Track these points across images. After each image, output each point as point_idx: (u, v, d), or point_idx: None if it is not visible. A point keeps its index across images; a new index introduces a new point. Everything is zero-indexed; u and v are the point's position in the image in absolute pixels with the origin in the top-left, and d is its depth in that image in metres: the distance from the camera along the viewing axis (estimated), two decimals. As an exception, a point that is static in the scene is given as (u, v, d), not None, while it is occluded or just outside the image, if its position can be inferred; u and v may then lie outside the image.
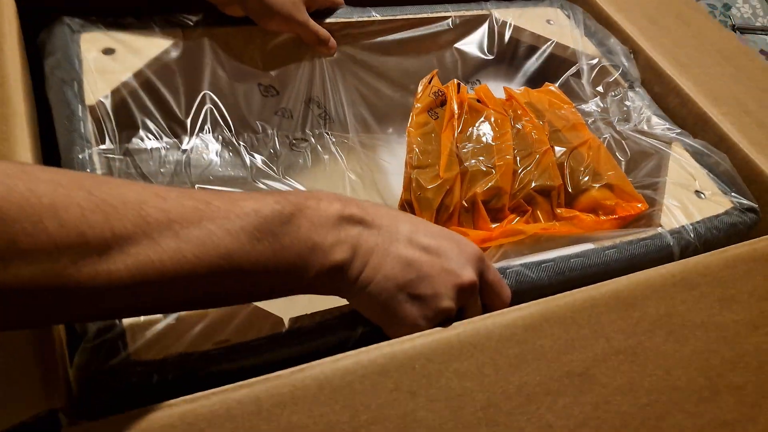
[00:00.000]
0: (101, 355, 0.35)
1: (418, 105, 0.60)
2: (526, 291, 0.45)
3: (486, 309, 0.42)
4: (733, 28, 0.94)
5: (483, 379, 0.38)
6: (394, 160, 0.62)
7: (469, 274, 0.39)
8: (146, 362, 0.36)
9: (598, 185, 0.56)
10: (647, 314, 0.43)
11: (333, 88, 0.61)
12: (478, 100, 0.63)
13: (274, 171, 0.52)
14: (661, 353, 0.42)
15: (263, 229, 0.33)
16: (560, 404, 0.39)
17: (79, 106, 0.47)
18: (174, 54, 0.54)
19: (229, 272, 0.32)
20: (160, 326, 0.37)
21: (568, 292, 0.43)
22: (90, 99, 0.49)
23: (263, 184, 0.51)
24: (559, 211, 0.56)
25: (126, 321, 0.37)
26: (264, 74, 0.58)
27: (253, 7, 0.57)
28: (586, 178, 0.57)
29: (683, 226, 0.52)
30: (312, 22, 0.61)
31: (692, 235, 0.51)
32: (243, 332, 0.38)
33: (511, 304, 0.43)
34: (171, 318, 0.37)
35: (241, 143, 0.53)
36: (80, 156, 0.44)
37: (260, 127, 0.56)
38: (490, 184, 0.55)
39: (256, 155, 0.53)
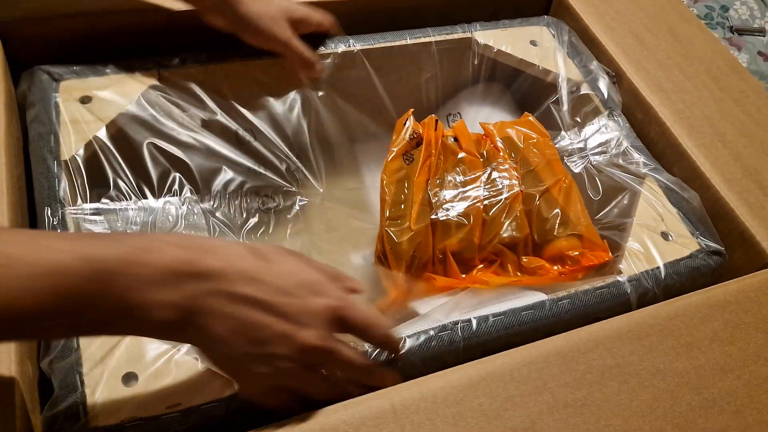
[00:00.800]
0: (62, 424, 0.39)
1: (394, 149, 0.62)
2: (474, 346, 0.47)
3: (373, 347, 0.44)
4: (731, 29, 0.91)
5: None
6: (368, 215, 0.64)
7: (307, 335, 0.38)
8: (104, 428, 0.40)
9: (565, 235, 0.57)
10: (593, 366, 0.45)
11: (311, 130, 0.63)
12: (455, 138, 0.64)
13: (233, 235, 0.55)
14: (615, 403, 0.44)
15: (68, 287, 0.32)
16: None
17: (54, 163, 0.51)
18: (145, 102, 0.57)
19: (22, 327, 0.32)
20: (119, 391, 0.41)
21: (505, 352, 0.45)
22: (65, 153, 0.52)
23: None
24: (525, 260, 0.58)
25: (87, 385, 0.41)
26: (240, 118, 0.61)
27: (231, 18, 0.57)
28: (553, 226, 0.58)
29: (643, 272, 0.53)
30: (296, 42, 0.61)
31: (651, 282, 0.52)
32: (194, 394, 0.42)
33: (462, 361, 0.45)
34: (131, 382, 0.41)
35: (204, 206, 0.56)
36: (51, 217, 0.48)
37: (227, 188, 0.59)
38: (460, 237, 0.57)
39: (219, 217, 0.56)
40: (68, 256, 0.32)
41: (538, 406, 0.43)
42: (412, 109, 0.64)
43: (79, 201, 0.50)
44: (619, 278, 0.52)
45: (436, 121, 0.64)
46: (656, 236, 0.56)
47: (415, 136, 0.62)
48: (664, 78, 0.68)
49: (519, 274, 0.58)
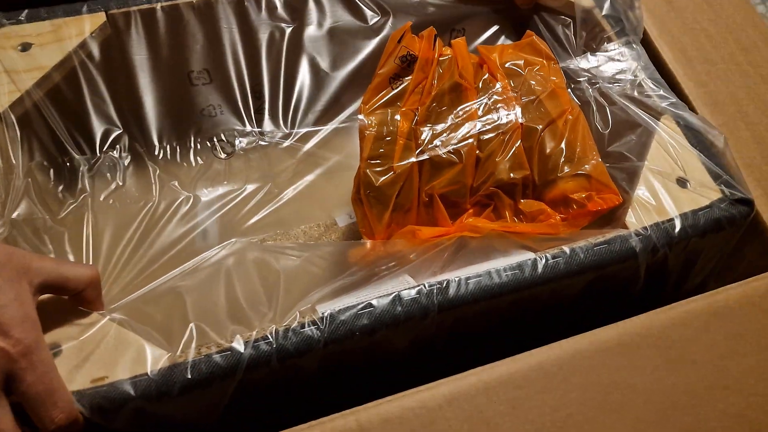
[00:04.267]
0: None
1: (380, 72, 0.55)
2: (447, 311, 0.42)
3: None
4: None
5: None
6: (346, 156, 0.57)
7: None
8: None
9: (570, 175, 0.50)
10: (574, 385, 0.40)
11: (275, 59, 0.55)
12: (452, 59, 0.56)
13: (184, 192, 0.49)
14: (600, 423, 0.39)
15: None
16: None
17: None
18: (93, 46, 0.50)
19: None
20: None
21: (476, 369, 0.40)
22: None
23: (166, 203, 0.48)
24: (523, 203, 0.51)
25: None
26: (197, 58, 0.54)
27: None
28: (557, 165, 0.51)
29: (653, 225, 0.46)
30: None
31: (661, 238, 0.46)
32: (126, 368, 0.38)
33: (432, 330, 0.40)
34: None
35: (150, 162, 0.50)
36: None
37: (177, 135, 0.52)
38: (450, 178, 0.51)
39: (164, 175, 0.50)
40: None
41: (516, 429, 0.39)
42: (410, 22, 0.55)
43: (12, 159, 0.45)
44: (623, 233, 0.46)
45: (435, 36, 0.55)
46: (671, 183, 0.48)
47: (408, 57, 0.54)
48: (690, 44, 0.58)
49: (516, 219, 0.52)
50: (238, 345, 0.39)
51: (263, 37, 0.54)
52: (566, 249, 0.45)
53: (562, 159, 0.51)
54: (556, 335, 0.44)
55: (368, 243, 0.52)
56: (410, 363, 0.44)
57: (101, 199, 0.47)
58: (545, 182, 0.52)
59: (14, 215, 0.43)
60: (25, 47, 0.51)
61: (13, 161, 0.46)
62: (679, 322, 0.42)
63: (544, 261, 0.44)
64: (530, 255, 0.45)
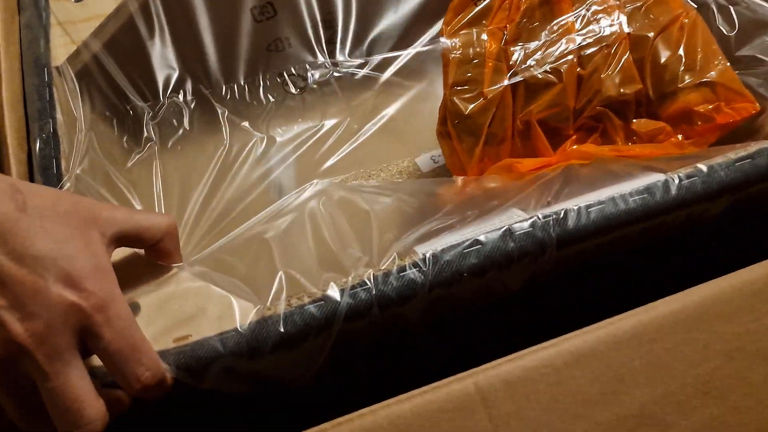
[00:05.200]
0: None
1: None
2: (566, 243, 0.36)
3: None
4: None
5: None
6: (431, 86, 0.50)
7: (19, 329, 0.28)
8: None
9: (692, 85, 0.43)
10: (718, 336, 0.34)
11: None
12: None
13: (257, 133, 0.45)
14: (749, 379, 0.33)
15: None
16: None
17: (45, 71, 0.43)
18: None
19: None
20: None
21: (603, 321, 0.34)
22: (56, 60, 0.44)
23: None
24: (636, 124, 0.44)
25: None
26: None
27: None
28: (676, 74, 0.44)
29: (803, 135, 0.39)
30: None
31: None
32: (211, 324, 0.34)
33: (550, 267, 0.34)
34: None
35: (217, 103, 0.45)
36: (40, 133, 0.40)
37: (244, 73, 0.47)
38: (549, 101, 0.44)
39: (233, 116, 0.45)
40: None
41: (656, 386, 0.33)
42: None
43: (74, 112, 0.41)
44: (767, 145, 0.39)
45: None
46: (819, 84, 0.41)
47: None
48: None
49: (629, 143, 0.45)
50: (334, 293, 0.34)
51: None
52: (702, 167, 0.38)
53: (681, 68, 0.44)
54: (693, 272, 0.38)
55: (460, 180, 0.46)
56: (523, 308, 0.39)
57: (168, 146, 0.43)
58: (662, 96, 0.45)
59: (79, 169, 0.40)
60: (78, -6, 0.48)
61: (75, 114, 0.43)
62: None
63: (677, 182, 0.38)
64: (659, 176, 0.38)
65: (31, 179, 0.41)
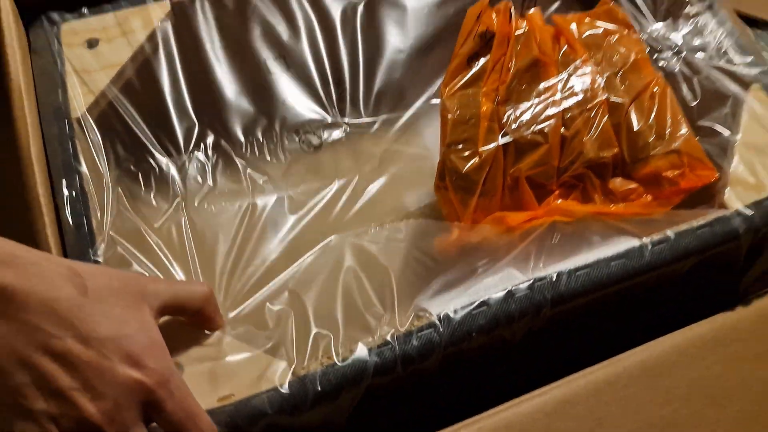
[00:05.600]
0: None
1: (460, 52, 0.52)
2: (559, 302, 0.42)
3: None
4: None
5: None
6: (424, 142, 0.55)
7: (91, 409, 0.31)
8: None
9: (662, 153, 0.49)
10: (677, 382, 0.41)
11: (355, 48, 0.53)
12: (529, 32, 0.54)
13: (273, 187, 0.49)
14: (704, 418, 0.40)
15: None
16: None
17: (65, 122, 0.45)
18: (162, 37, 0.49)
19: None
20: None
21: (584, 371, 0.41)
22: (75, 111, 0.46)
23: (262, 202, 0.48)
24: (612, 184, 0.50)
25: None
26: (271, 44, 0.52)
27: None
28: (648, 142, 0.50)
29: (753, 204, 0.46)
30: None
31: (764, 215, 0.45)
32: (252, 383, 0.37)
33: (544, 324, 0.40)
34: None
35: (238, 159, 0.49)
36: (68, 189, 0.43)
37: (262, 128, 0.51)
38: (536, 160, 0.50)
39: (254, 173, 0.49)
40: None
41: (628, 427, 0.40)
42: (488, -1, 0.53)
43: (98, 166, 0.43)
44: (727, 213, 0.45)
45: (511, 10, 0.53)
46: (766, 158, 0.48)
47: (487, 34, 0.52)
48: None
49: (605, 199, 0.51)
50: (363, 353, 0.39)
51: (336, 16, 0.52)
52: (670, 233, 0.45)
53: (653, 136, 0.50)
54: (660, 319, 0.45)
55: (456, 228, 0.51)
56: (521, 355, 0.44)
57: (195, 204, 0.46)
58: (635, 160, 0.51)
59: (113, 231, 0.42)
60: (92, 44, 0.49)
61: (101, 169, 0.45)
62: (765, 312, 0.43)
63: (650, 247, 0.44)
64: (634, 241, 0.44)
65: (62, 238, 0.43)
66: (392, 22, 0.54)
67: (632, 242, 0.44)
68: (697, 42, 0.54)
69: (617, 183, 0.51)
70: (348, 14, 0.53)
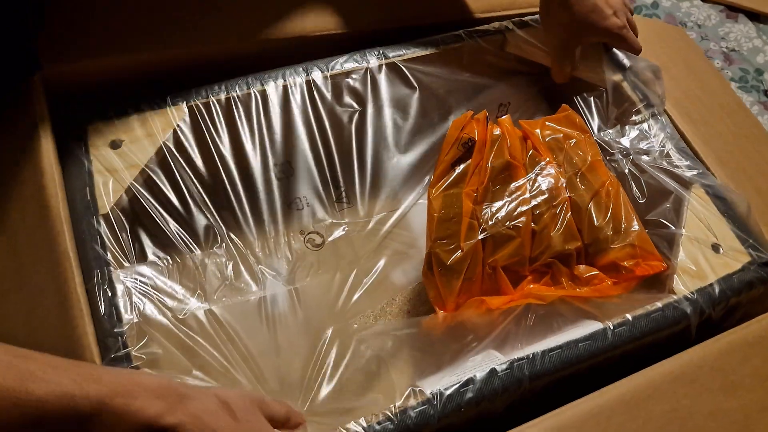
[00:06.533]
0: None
1: (445, 159, 0.60)
2: (536, 378, 0.49)
3: None
4: (765, 93, 0.90)
5: None
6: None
7: None
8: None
9: (620, 245, 0.57)
10: (653, 413, 0.47)
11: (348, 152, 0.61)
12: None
13: (282, 282, 0.56)
14: None
15: (43, 424, 0.34)
16: None
17: (93, 218, 0.50)
18: (181, 139, 0.56)
19: None
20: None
21: (574, 402, 0.46)
22: (103, 207, 0.52)
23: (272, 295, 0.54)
24: (577, 270, 0.58)
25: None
26: (276, 149, 0.60)
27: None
28: (607, 236, 0.58)
29: (698, 290, 0.53)
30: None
31: (706, 301, 0.53)
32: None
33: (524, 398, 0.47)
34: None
35: (250, 256, 0.56)
36: (101, 281, 0.48)
37: (272, 228, 0.58)
38: (510, 252, 0.57)
39: (265, 269, 0.56)
40: (50, 389, 0.34)
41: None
42: (471, 112, 0.62)
43: (125, 261, 0.50)
44: (676, 299, 0.53)
45: (487, 118, 0.62)
46: (707, 249, 0.56)
47: (469, 142, 0.60)
48: (692, 109, 0.68)
49: (572, 283, 0.58)
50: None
51: (335, 124, 0.60)
52: (629, 317, 0.52)
53: (610, 231, 0.58)
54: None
55: (441, 315, 0.58)
56: (504, 421, 0.50)
57: (215, 297, 0.52)
58: (597, 251, 0.58)
59: (141, 320, 0.48)
60: (116, 144, 0.55)
61: (126, 264, 0.51)
62: (725, 350, 0.50)
63: (612, 329, 0.51)
64: (598, 324, 0.51)
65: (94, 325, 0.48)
66: (386, 128, 0.63)
67: (597, 325, 0.51)
68: (643, 145, 0.62)
69: (581, 270, 0.58)
70: (346, 122, 0.61)
